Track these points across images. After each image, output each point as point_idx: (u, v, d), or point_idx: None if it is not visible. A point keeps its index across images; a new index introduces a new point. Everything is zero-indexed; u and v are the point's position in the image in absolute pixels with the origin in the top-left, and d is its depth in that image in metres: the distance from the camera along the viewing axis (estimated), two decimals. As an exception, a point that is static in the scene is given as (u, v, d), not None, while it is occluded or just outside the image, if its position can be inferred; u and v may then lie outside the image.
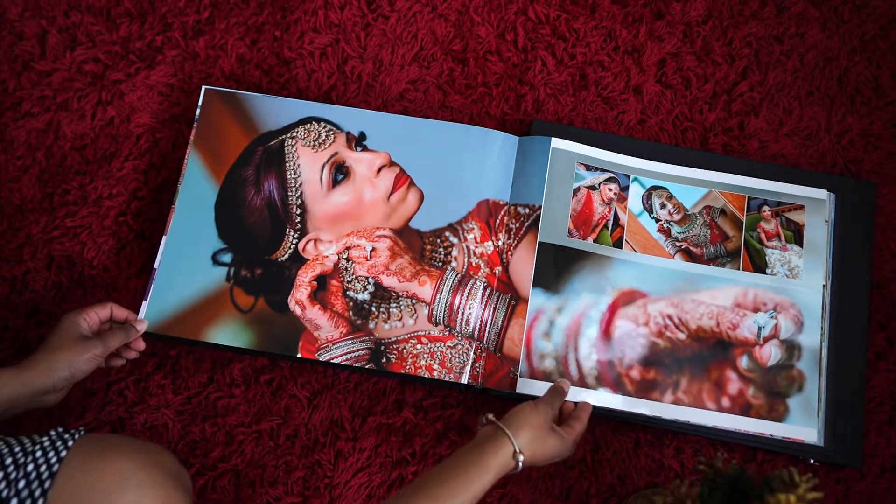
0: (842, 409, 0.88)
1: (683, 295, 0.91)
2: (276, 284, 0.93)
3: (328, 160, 0.96)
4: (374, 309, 0.92)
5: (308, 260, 0.93)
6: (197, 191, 0.96)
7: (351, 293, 0.92)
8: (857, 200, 0.95)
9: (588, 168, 0.95)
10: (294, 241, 0.94)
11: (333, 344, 0.90)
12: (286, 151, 0.97)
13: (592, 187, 0.95)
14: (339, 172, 0.96)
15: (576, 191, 0.95)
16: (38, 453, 0.69)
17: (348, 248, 0.94)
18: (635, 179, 0.95)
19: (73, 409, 0.90)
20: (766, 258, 0.92)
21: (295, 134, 0.97)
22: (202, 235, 0.94)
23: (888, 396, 0.91)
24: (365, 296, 0.92)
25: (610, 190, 0.94)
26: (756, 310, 0.90)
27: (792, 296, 0.91)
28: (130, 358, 0.87)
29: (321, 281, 0.93)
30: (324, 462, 0.89)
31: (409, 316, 0.92)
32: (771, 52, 1.03)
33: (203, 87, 0.99)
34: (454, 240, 0.94)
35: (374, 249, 0.93)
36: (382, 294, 0.92)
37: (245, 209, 0.95)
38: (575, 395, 0.87)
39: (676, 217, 0.94)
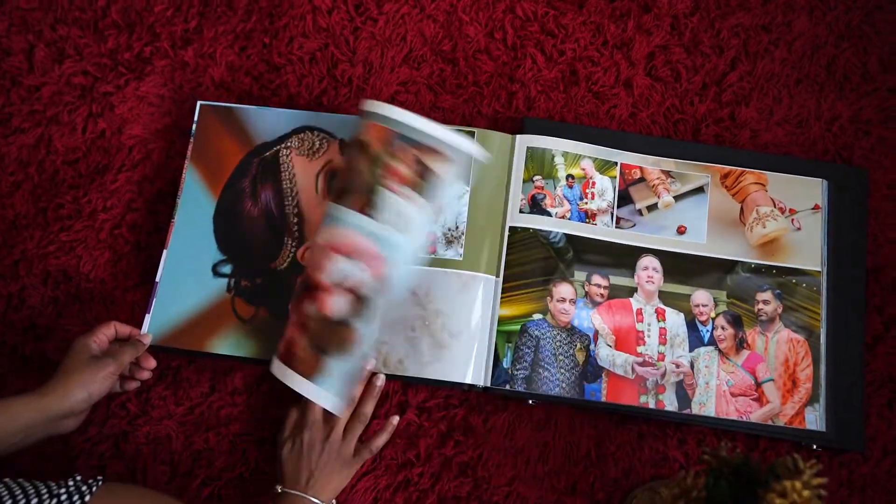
0: (842, 394, 0.89)
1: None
2: (277, 293, 0.92)
3: (323, 168, 0.96)
4: (373, 313, 0.92)
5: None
6: (195, 204, 0.96)
7: (350, 298, 0.92)
8: (849, 186, 0.96)
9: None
10: (293, 250, 0.94)
11: (335, 349, 0.90)
12: (281, 161, 0.96)
13: None
14: (334, 179, 0.96)
15: None
16: None
17: (346, 253, 0.93)
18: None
19: (77, 425, 0.90)
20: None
21: (289, 144, 0.97)
22: (202, 248, 0.94)
23: (887, 379, 0.91)
24: (364, 300, 0.92)
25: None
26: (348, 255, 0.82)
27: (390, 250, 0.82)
28: (143, 378, 0.88)
29: (320, 287, 0.93)
30: (330, 467, 0.89)
31: (409, 318, 0.91)
32: (759, 41, 1.04)
33: (199, 103, 0.99)
34: (451, 240, 0.94)
35: (371, 253, 0.93)
36: (382, 297, 0.92)
37: (243, 220, 0.95)
38: None
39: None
